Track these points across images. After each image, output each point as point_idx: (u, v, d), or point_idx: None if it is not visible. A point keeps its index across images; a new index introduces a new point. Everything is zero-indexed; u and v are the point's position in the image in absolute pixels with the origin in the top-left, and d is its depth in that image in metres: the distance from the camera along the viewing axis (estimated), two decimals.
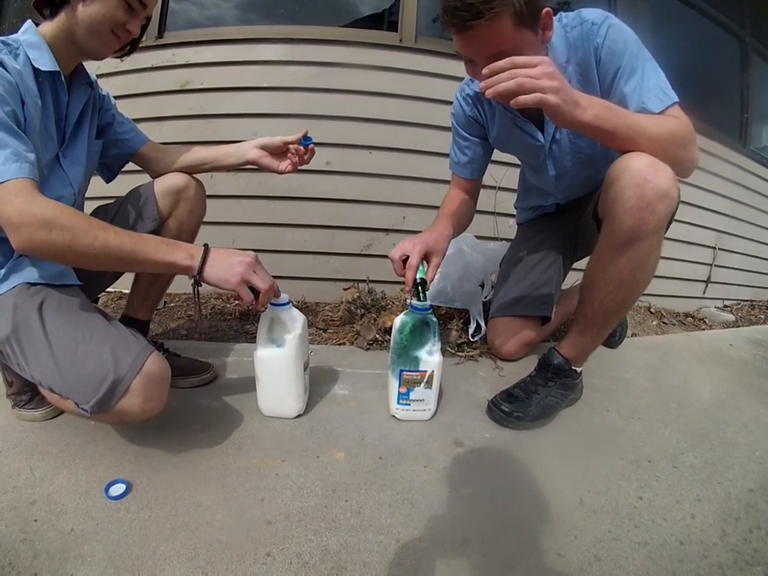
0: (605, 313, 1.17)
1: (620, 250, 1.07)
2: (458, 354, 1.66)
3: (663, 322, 2.52)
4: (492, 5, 0.94)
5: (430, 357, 1.17)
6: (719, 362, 1.85)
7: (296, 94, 2.12)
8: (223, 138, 2.10)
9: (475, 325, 1.74)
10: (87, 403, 0.90)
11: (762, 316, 3.08)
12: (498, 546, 0.88)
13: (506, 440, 1.20)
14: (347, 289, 2.09)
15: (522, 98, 0.89)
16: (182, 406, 1.26)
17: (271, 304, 1.13)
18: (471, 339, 1.72)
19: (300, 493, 0.98)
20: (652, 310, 2.65)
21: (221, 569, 0.80)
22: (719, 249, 3.06)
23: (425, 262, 1.22)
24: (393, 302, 2.00)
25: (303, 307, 2.13)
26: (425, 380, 1.18)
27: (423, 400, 1.22)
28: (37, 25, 1.01)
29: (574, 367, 1.28)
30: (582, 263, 1.39)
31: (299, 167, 1.35)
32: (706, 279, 3.08)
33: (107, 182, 1.37)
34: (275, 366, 1.16)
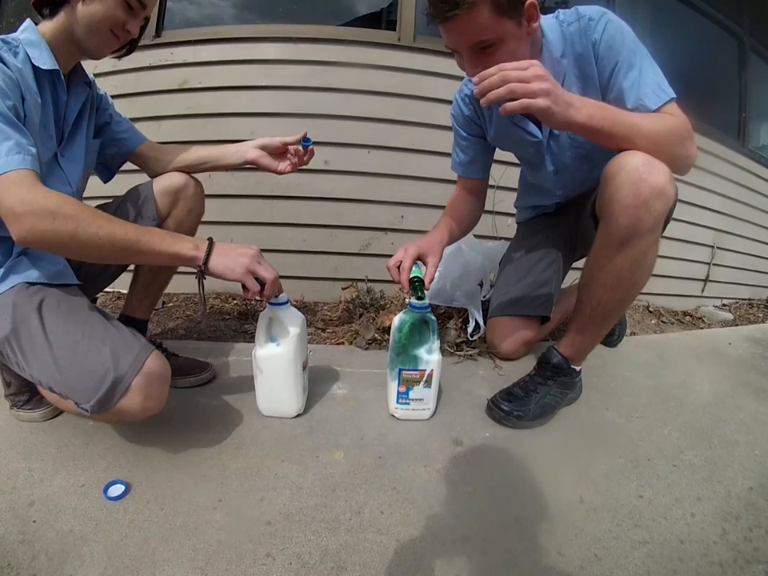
0: (603, 311, 1.17)
1: (617, 248, 1.07)
2: (457, 353, 1.66)
3: (662, 321, 2.52)
4: None
5: (430, 356, 1.17)
6: (718, 360, 1.85)
7: (294, 93, 2.12)
8: (222, 138, 2.10)
9: (474, 324, 1.73)
10: (87, 402, 0.90)
11: (761, 314, 3.09)
12: (498, 545, 0.88)
13: (505, 439, 1.20)
14: (346, 288, 2.09)
15: (510, 105, 0.91)
16: (180, 405, 1.25)
17: (270, 303, 1.13)
18: (470, 338, 1.72)
19: (299, 493, 0.98)
20: (651, 308, 2.65)
21: (220, 569, 0.80)
22: (718, 248, 3.06)
23: (419, 263, 1.23)
24: (391, 302, 2.00)
25: (302, 306, 2.13)
26: (424, 379, 1.18)
27: (422, 399, 1.22)
28: (36, 24, 1.01)
29: (573, 366, 1.28)
30: (581, 262, 1.39)
31: (298, 168, 1.35)
32: (704, 278, 3.09)
33: (105, 182, 1.37)
34: (274, 365, 1.16)
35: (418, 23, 2.14)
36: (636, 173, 0.99)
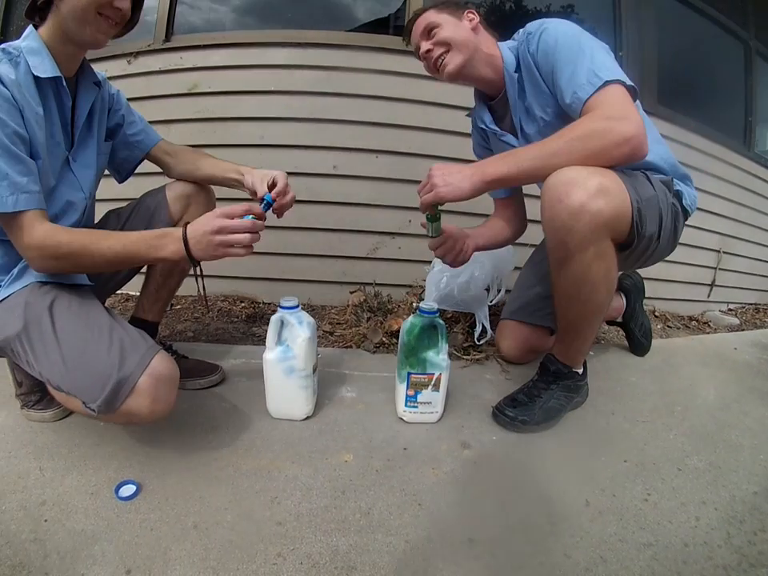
0: (569, 324, 1.21)
1: (556, 269, 1.11)
2: (464, 357, 1.67)
3: (668, 326, 2.52)
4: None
5: (438, 359, 1.18)
6: (724, 365, 1.85)
7: (303, 97, 2.13)
8: (230, 142, 2.13)
9: (481, 328, 1.74)
10: (94, 402, 0.91)
11: (767, 319, 3.08)
12: (505, 547, 0.89)
13: (512, 442, 1.21)
14: (353, 292, 2.11)
15: (423, 200, 1.11)
16: (190, 407, 1.27)
17: (281, 307, 1.14)
18: (477, 342, 1.73)
19: (309, 494, 0.99)
20: (656, 313, 2.65)
21: (232, 569, 0.81)
22: (724, 252, 3.05)
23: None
24: (399, 306, 2.01)
25: (309, 310, 2.14)
26: (432, 382, 1.20)
27: (431, 402, 1.23)
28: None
29: (574, 369, 1.29)
30: None
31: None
32: (710, 283, 3.08)
33: (120, 183, 1.37)
34: (284, 368, 1.17)
35: None
36: (555, 195, 0.99)
